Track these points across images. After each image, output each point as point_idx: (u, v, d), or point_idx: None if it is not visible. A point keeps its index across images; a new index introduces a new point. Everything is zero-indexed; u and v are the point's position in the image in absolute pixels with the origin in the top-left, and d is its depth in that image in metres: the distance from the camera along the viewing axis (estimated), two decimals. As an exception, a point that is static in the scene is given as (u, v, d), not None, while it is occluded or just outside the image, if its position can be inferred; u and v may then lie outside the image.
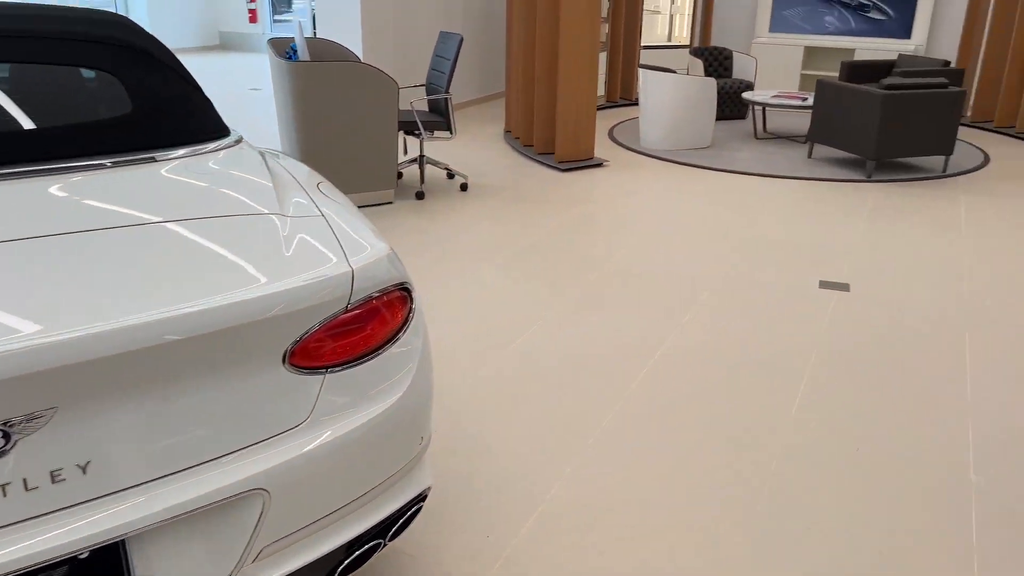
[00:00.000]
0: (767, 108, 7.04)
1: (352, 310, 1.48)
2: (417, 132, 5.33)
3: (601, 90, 8.94)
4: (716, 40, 10.14)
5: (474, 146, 7.09)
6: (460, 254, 4.45)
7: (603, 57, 8.81)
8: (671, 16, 9.59)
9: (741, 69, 8.49)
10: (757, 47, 9.30)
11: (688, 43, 9.54)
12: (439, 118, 5.42)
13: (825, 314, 3.74)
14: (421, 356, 1.66)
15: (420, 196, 5.42)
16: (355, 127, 4.94)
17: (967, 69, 8.30)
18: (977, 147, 7.27)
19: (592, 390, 3.03)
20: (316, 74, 4.75)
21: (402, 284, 1.60)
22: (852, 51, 9.29)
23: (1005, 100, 7.90)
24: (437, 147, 7.04)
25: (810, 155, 6.76)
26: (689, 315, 3.70)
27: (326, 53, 5.56)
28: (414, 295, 1.65)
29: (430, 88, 5.58)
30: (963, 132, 7.95)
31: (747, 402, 2.97)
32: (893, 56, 8.79)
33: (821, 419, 2.87)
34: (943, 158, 6.56)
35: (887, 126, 5.96)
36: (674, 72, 6.79)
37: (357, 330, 1.50)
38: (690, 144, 7.00)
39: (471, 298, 3.87)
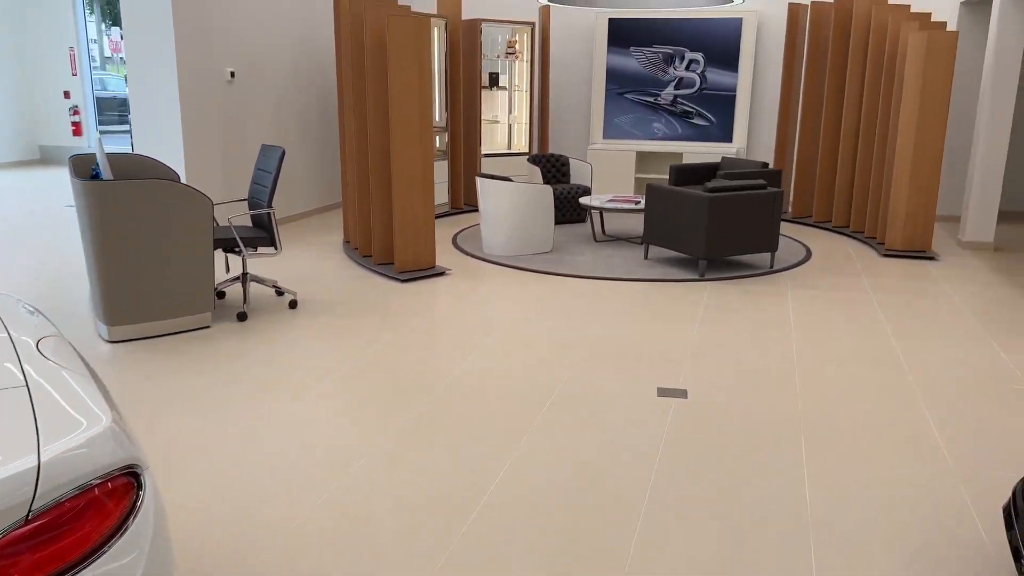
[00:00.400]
0: (604, 212, 7.24)
1: (34, 520, 1.13)
2: (237, 249, 4.98)
3: (444, 197, 8.91)
4: (554, 147, 10.45)
5: (311, 258, 6.78)
6: (279, 381, 4.08)
7: (444, 165, 8.82)
8: (510, 125, 9.83)
9: (578, 175, 8.72)
10: (592, 153, 9.63)
11: (527, 150, 9.77)
12: (263, 233, 5.11)
13: (663, 426, 3.62)
14: (155, 562, 1.31)
15: (242, 317, 5.03)
16: (165, 249, 4.54)
17: (784, 169, 8.90)
18: (800, 242, 7.69)
19: (416, 545, 2.72)
20: (116, 194, 4.36)
21: (129, 467, 1.28)
22: (680, 155, 9.79)
23: (819, 197, 8.47)
24: (268, 262, 6.67)
25: (646, 256, 6.90)
26: (524, 442, 3.49)
27: (139, 170, 5.17)
28: (145, 479, 1.32)
29: (252, 202, 5.28)
30: (787, 227, 8.43)
31: (583, 536, 2.74)
32: (717, 159, 9.32)
33: (665, 554, 2.68)
34: (769, 255, 6.85)
35: (714, 227, 6.17)
36: (511, 180, 6.82)
37: (44, 544, 1.15)
38: (532, 249, 7.00)
39: (286, 433, 3.49)
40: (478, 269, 6.50)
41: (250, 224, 5.47)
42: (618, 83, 9.94)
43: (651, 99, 9.91)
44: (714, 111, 9.72)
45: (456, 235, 7.81)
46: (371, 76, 6.00)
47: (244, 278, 5.23)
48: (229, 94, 7.33)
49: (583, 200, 7.56)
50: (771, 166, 9.44)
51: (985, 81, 7.25)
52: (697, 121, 9.82)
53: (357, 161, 6.44)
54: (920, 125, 6.87)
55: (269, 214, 5.06)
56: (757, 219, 6.37)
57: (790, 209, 9.02)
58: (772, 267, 6.61)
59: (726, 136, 9.74)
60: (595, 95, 10.01)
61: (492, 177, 6.83)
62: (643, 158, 10.02)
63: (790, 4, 8.51)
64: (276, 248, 5.10)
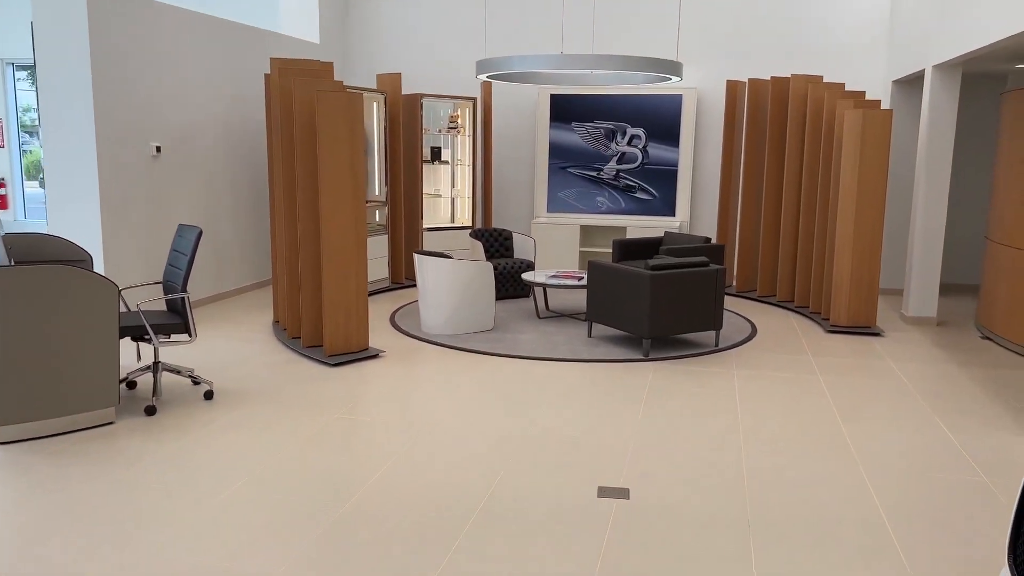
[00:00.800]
0: (547, 288, 7.05)
1: None
2: (147, 337, 4.61)
3: (384, 272, 8.64)
4: (497, 221, 10.32)
5: (237, 340, 6.40)
6: (182, 486, 3.69)
7: (384, 240, 8.58)
8: (452, 199, 9.69)
9: (521, 249, 8.55)
10: (536, 227, 9.52)
11: (470, 224, 9.62)
12: (176, 319, 4.76)
13: (603, 534, 3.33)
14: None
15: (151, 411, 4.62)
16: (63, 339, 4.16)
17: (727, 244, 8.87)
18: (744, 317, 7.58)
19: None
20: (6, 280, 3.99)
21: None
22: (624, 229, 9.73)
23: (763, 272, 8.42)
24: (187, 347, 6.28)
25: (590, 334, 6.68)
26: (446, 565, 3.16)
27: (45, 251, 4.81)
28: None
29: (167, 286, 4.94)
30: (731, 302, 8.34)
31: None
32: (660, 233, 9.27)
33: None
34: (714, 332, 6.69)
35: (657, 305, 6.00)
36: (450, 257, 6.60)
37: None
38: (472, 327, 6.74)
39: (176, 555, 3.10)
40: (415, 350, 6.20)
41: (165, 309, 5.11)
42: (561, 157, 9.91)
43: (594, 173, 9.88)
44: (657, 186, 9.72)
45: (395, 312, 7.51)
46: (301, 152, 5.77)
47: (155, 368, 4.85)
48: (155, 169, 7.02)
49: (526, 276, 7.36)
50: (714, 240, 9.42)
51: (920, 158, 7.34)
52: (640, 195, 9.80)
53: (286, 237, 6.15)
54: (859, 202, 6.88)
55: (183, 299, 4.72)
56: (700, 297, 6.22)
57: (734, 283, 8.96)
58: (717, 345, 6.45)
59: (669, 210, 9.72)
60: (538, 169, 9.95)
61: (430, 254, 6.60)
62: (587, 232, 9.93)
63: (728, 81, 8.62)
64: (190, 335, 4.75)
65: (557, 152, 9.90)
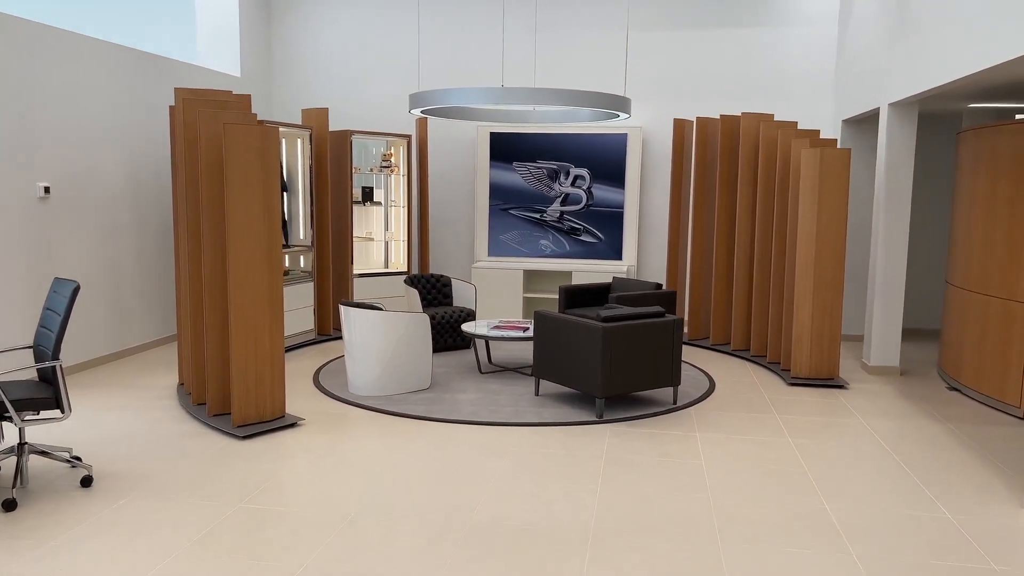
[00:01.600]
0: (489, 340, 6.46)
1: None
2: (6, 415, 3.81)
3: (309, 324, 7.90)
4: (435, 266, 9.69)
5: (134, 408, 5.59)
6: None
7: (310, 288, 7.85)
8: (387, 243, 9.03)
9: (461, 296, 7.93)
10: (477, 272, 8.92)
11: (406, 269, 8.96)
12: (46, 393, 3.97)
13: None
14: None
15: (9, 506, 3.80)
16: None
17: (677, 289, 8.41)
18: (700, 369, 7.07)
19: None
20: None
21: None
22: (569, 274, 9.21)
23: (716, 319, 7.96)
24: (72, 421, 5.44)
25: (537, 392, 6.06)
26: None
27: None
28: None
29: (38, 351, 4.15)
30: (685, 351, 7.83)
31: None
32: (608, 278, 8.78)
33: None
34: (672, 388, 6.15)
35: (611, 360, 5.42)
36: (380, 309, 5.93)
37: None
38: (406, 387, 6.05)
39: None
40: (340, 416, 5.48)
41: (37, 379, 4.31)
42: (502, 198, 9.37)
43: (537, 215, 9.36)
44: (602, 228, 9.25)
45: (320, 369, 6.77)
46: (207, 193, 5.07)
47: (20, 450, 4.03)
48: (41, 212, 6.20)
49: (466, 327, 6.72)
50: (664, 286, 8.96)
51: (878, 199, 7.01)
52: (585, 238, 9.31)
53: (190, 289, 5.40)
54: (819, 248, 6.48)
55: (54, 367, 3.94)
56: (657, 351, 5.68)
57: (686, 330, 8.48)
58: (676, 403, 5.90)
59: (615, 254, 9.25)
60: (478, 211, 9.39)
61: (357, 305, 5.92)
62: (531, 277, 9.38)
63: (675, 119, 8.23)
64: (63, 411, 3.96)
65: (498, 193, 9.36)
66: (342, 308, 5.95)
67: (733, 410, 5.79)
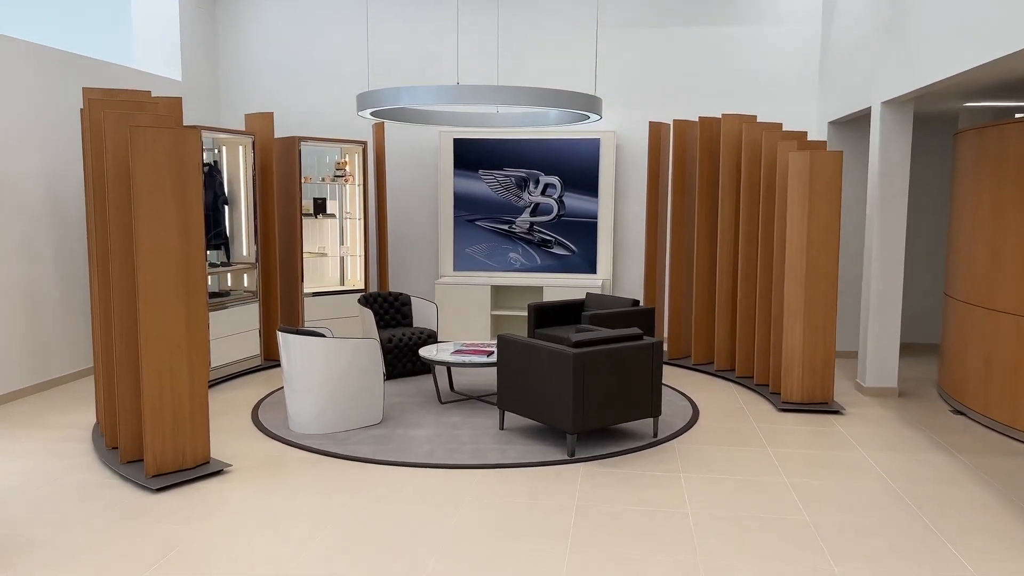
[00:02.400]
0: (449, 367, 5.82)
1: None
2: None
3: (255, 348, 7.20)
4: (397, 282, 9.02)
5: (42, 453, 4.86)
6: None
7: (254, 309, 7.16)
8: (342, 258, 8.36)
9: (422, 316, 7.27)
10: (441, 288, 8.27)
11: (363, 287, 8.29)
12: None
13: None
14: None
15: None
16: None
17: (656, 305, 7.81)
18: (681, 392, 6.46)
19: None
20: None
21: None
22: (540, 289, 8.59)
23: (698, 336, 7.37)
24: (-29, 463, 4.71)
25: (502, 425, 5.42)
26: None
27: None
28: None
29: None
30: (666, 372, 7.22)
31: None
32: (582, 293, 8.17)
33: None
34: (651, 419, 5.54)
35: (583, 391, 4.79)
36: (322, 335, 5.26)
37: None
38: (355, 422, 5.38)
39: None
40: (275, 459, 4.80)
41: None
42: (468, 209, 8.73)
43: (506, 227, 8.74)
44: (576, 240, 8.65)
45: (261, 402, 6.08)
46: (115, 205, 4.39)
47: None
48: (-60, 229, 5.48)
49: (424, 352, 6.07)
50: (642, 301, 8.36)
51: (872, 206, 6.46)
52: (557, 251, 8.69)
53: (100, 317, 4.71)
54: (810, 261, 5.91)
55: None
56: (635, 378, 5.06)
57: (665, 349, 7.89)
58: (656, 436, 5.28)
59: (590, 267, 8.64)
60: (442, 223, 8.75)
61: (296, 332, 5.25)
62: (500, 293, 8.74)
63: (651, 122, 7.65)
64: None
65: (464, 203, 8.73)
66: (280, 335, 5.28)
67: (720, 443, 5.18)
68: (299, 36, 8.83)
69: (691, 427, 5.53)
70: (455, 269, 8.81)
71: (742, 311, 6.86)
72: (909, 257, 8.35)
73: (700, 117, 7.21)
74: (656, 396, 5.19)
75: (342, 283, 8.41)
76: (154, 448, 4.34)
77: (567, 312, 7.24)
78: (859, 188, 7.81)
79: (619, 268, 8.79)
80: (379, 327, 7.17)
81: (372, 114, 6.21)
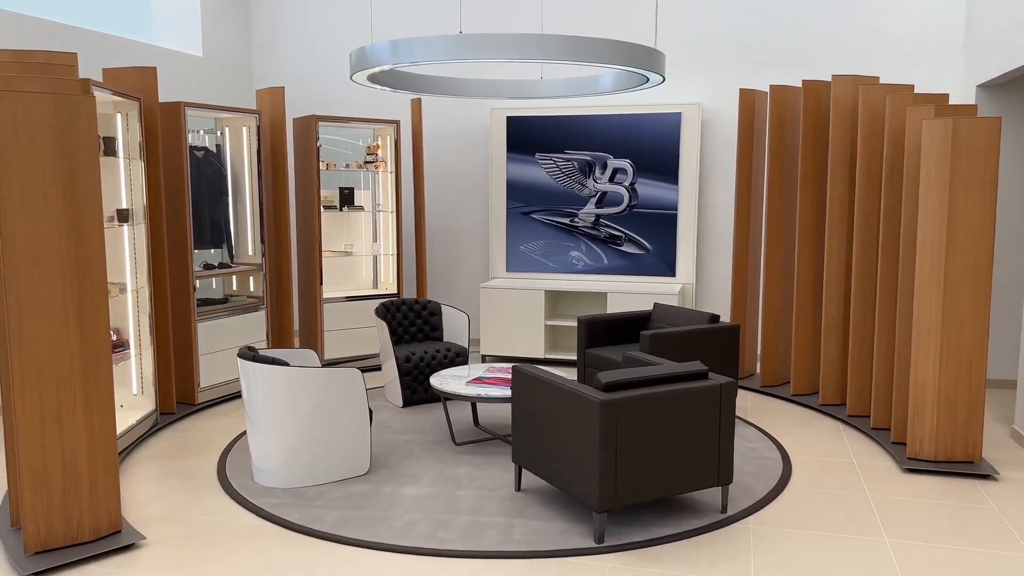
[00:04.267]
0: (462, 400, 4.57)
1: None
2: None
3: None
4: (440, 286, 7.82)
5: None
6: None
7: (261, 317, 6.13)
8: (375, 257, 7.25)
9: (454, 329, 6.06)
10: (487, 294, 7.02)
11: (396, 291, 7.17)
12: None
13: None
14: None
15: None
16: None
17: (744, 319, 6.29)
18: (770, 437, 4.97)
19: None
20: None
21: None
22: (604, 295, 7.20)
23: (799, 361, 5.82)
24: None
25: (518, 486, 4.12)
26: None
27: None
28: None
29: None
30: (751, 402, 5.72)
31: None
32: (659, 299, 6.74)
33: None
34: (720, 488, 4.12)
35: (614, 454, 3.44)
36: (286, 364, 4.11)
37: None
38: (332, 474, 4.22)
39: None
40: (214, 525, 3.69)
41: None
42: (522, 199, 7.44)
43: (566, 220, 7.39)
44: (650, 235, 7.21)
45: (236, 441, 5.01)
46: (-8, 199, 3.36)
47: None
48: None
49: (434, 381, 4.84)
50: (726, 316, 6.84)
51: (1039, 193, 4.75)
52: (628, 249, 7.28)
53: (-4, 343, 3.71)
54: (950, 265, 4.31)
55: None
56: (695, 433, 3.66)
57: (757, 374, 6.37)
58: (725, 511, 3.85)
59: (667, 269, 7.18)
60: (494, 215, 7.49)
61: (256, 359, 4.12)
62: (557, 299, 7.41)
63: (741, 91, 6.13)
64: None
65: (518, 192, 7.44)
66: (240, 363, 4.16)
67: (815, 524, 3.70)
68: (336, 6, 7.75)
69: (777, 495, 4.06)
70: (508, 270, 7.54)
71: (856, 330, 5.28)
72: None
73: (803, 81, 5.64)
74: (726, 458, 3.76)
75: (375, 286, 7.30)
76: (35, 517, 3.30)
77: (628, 328, 5.86)
78: (1021, 170, 6.03)
79: (704, 270, 7.28)
80: (404, 341, 6.00)
81: (372, 80, 5.01)
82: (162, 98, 6.74)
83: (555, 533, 3.60)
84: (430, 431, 5.08)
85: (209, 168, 5.90)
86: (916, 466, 4.40)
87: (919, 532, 3.63)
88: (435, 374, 5.02)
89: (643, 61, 4.33)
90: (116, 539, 3.46)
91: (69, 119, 3.25)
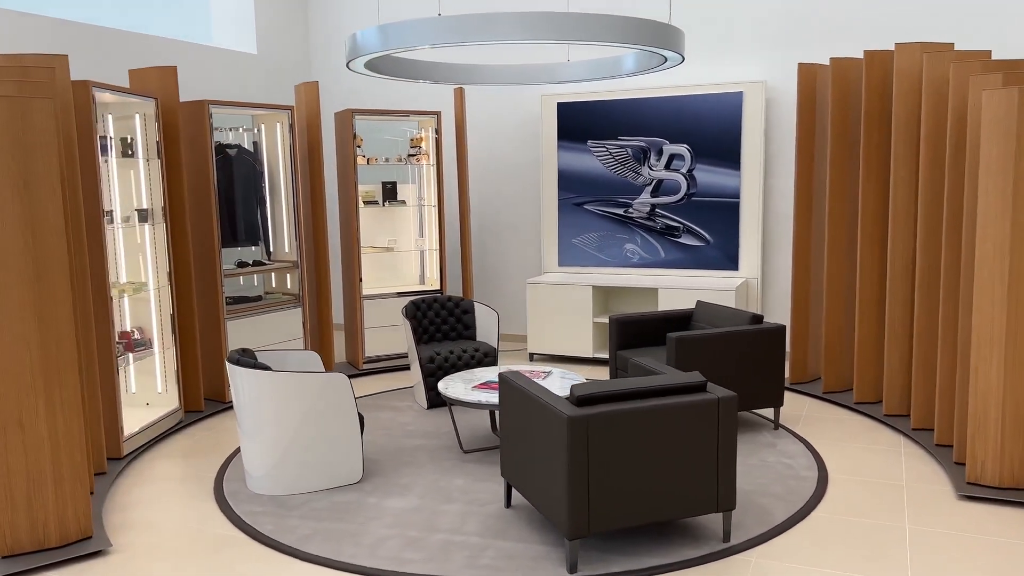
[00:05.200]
0: (463, 405, 4.28)
1: None
2: None
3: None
4: (489, 282, 7.57)
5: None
6: None
7: (297, 314, 6.10)
8: (421, 253, 7.09)
9: (487, 327, 5.81)
10: (533, 289, 6.72)
11: (439, 288, 6.98)
12: None
13: None
14: None
15: None
16: None
17: (805, 316, 5.69)
18: (812, 449, 4.44)
19: None
20: None
21: None
22: (655, 291, 6.75)
23: (863, 365, 5.21)
24: None
25: (508, 502, 3.83)
26: None
27: None
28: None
29: None
30: (811, 409, 5.16)
31: None
32: (721, 295, 6.24)
33: None
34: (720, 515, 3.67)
35: (585, 476, 3.10)
36: (267, 368, 3.99)
37: None
38: (322, 481, 4.08)
39: None
40: (188, 533, 3.61)
41: None
42: (574, 189, 7.09)
43: (621, 211, 6.99)
44: (710, 226, 6.70)
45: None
46: (-37, 205, 3.39)
47: None
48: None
49: (441, 385, 4.61)
50: (788, 312, 6.24)
51: None
52: (686, 240, 6.80)
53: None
54: (1018, 257, 3.68)
55: None
56: (688, 454, 3.25)
57: (821, 379, 5.78)
58: (727, 539, 3.42)
59: (730, 262, 6.66)
60: (545, 207, 7.18)
61: (240, 363, 4.02)
62: (609, 295, 7.01)
63: (800, 65, 5.54)
64: None
65: (569, 182, 7.10)
66: (228, 367, 4.08)
67: (830, 560, 3.22)
68: (393, 1, 7.63)
69: (796, 523, 3.59)
70: (560, 264, 7.21)
71: (920, 333, 4.65)
72: None
73: (865, 52, 5.02)
74: (727, 481, 3.33)
75: (422, 282, 7.15)
76: (0, 523, 3.32)
77: (667, 327, 5.42)
78: None
79: (771, 264, 6.71)
80: (436, 340, 5.81)
81: (371, 69, 4.80)
82: (215, 96, 6.81)
83: (527, 559, 3.29)
84: (445, 435, 4.87)
85: (243, 166, 5.90)
86: (974, 492, 3.80)
87: (953, 574, 3.10)
88: (445, 378, 4.80)
89: (661, 39, 3.92)
90: (84, 545, 3.44)
91: (23, 122, 3.22)
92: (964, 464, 4.12)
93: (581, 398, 3.15)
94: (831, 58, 5.29)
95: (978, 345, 3.82)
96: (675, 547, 3.36)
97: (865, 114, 5.03)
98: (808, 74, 5.55)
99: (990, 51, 4.44)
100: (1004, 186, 3.67)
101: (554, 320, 6.69)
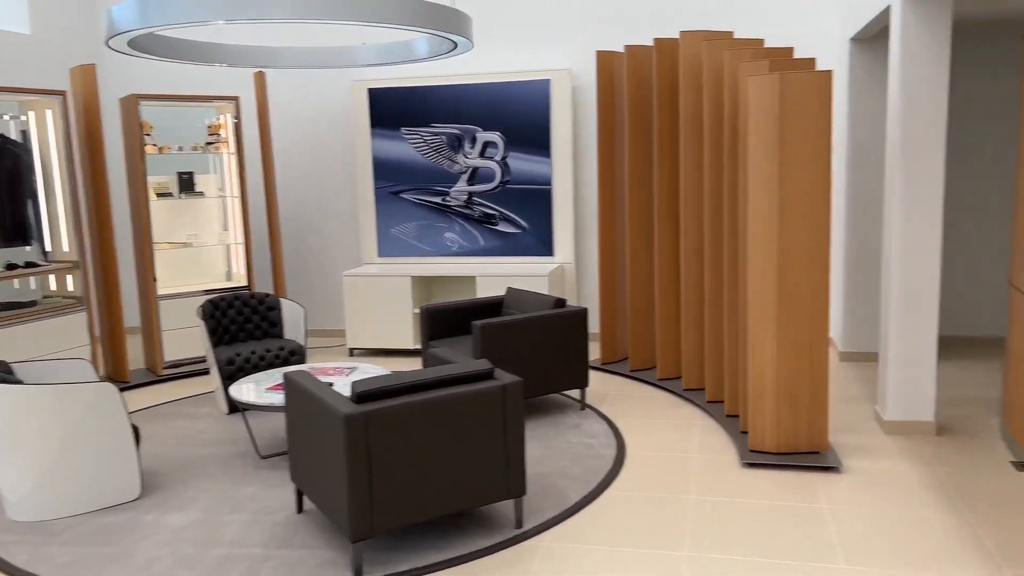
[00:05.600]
0: (258, 410, 4.04)
1: None
2: None
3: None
4: (303, 277, 7.28)
5: None
6: None
7: (83, 318, 5.59)
8: (227, 247, 6.71)
9: (294, 325, 5.55)
10: (350, 282, 6.51)
11: (247, 284, 6.64)
12: None
13: None
14: None
15: None
16: None
17: (616, 300, 5.84)
18: (613, 426, 4.54)
19: None
20: None
21: None
22: (474, 279, 6.72)
23: (664, 345, 5.39)
24: None
25: (300, 507, 3.65)
26: None
27: None
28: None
29: None
30: (617, 387, 5.29)
31: None
32: (538, 281, 6.27)
33: None
34: (512, 501, 3.66)
35: (367, 476, 2.97)
36: (14, 380, 3.59)
37: None
38: (92, 502, 3.73)
39: None
40: (-78, 575, 3.18)
41: None
42: (390, 178, 6.92)
43: (438, 199, 6.89)
44: (526, 213, 6.73)
45: (31, 455, 4.49)
46: None
47: None
48: None
49: (233, 391, 4.33)
50: (597, 294, 6.39)
51: (891, 154, 4.34)
52: (503, 228, 6.81)
53: None
54: (784, 233, 3.88)
55: None
56: (475, 445, 3.20)
57: (628, 359, 5.94)
58: (519, 525, 3.41)
59: (545, 248, 6.73)
60: (361, 197, 6.97)
61: (-12, 377, 3.59)
62: (430, 285, 6.92)
63: (598, 53, 5.63)
64: None
65: (385, 171, 6.92)
66: (-26, 378, 3.63)
67: (619, 539, 3.27)
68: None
69: (588, 503, 3.63)
70: (380, 255, 7.04)
71: (709, 312, 4.86)
72: (952, 225, 6.09)
73: (655, 39, 5.16)
74: (517, 467, 3.31)
75: (228, 279, 6.76)
76: None
77: (479, 316, 5.39)
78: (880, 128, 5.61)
79: (583, 248, 6.84)
80: (238, 340, 5.48)
81: (131, 46, 4.43)
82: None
83: (311, 566, 3.13)
84: (242, 442, 4.59)
85: (9, 157, 5.31)
86: (757, 460, 4.00)
87: (725, 543, 3.22)
88: (236, 382, 4.52)
89: (444, 23, 3.82)
90: None
91: None
92: (748, 431, 4.34)
93: (360, 395, 3.02)
94: (625, 46, 5.41)
95: (753, 324, 4.02)
96: (468, 538, 3.31)
97: (656, 102, 5.18)
98: (607, 62, 5.66)
99: (762, 39, 4.67)
100: (770, 169, 3.86)
101: (373, 313, 6.52)
